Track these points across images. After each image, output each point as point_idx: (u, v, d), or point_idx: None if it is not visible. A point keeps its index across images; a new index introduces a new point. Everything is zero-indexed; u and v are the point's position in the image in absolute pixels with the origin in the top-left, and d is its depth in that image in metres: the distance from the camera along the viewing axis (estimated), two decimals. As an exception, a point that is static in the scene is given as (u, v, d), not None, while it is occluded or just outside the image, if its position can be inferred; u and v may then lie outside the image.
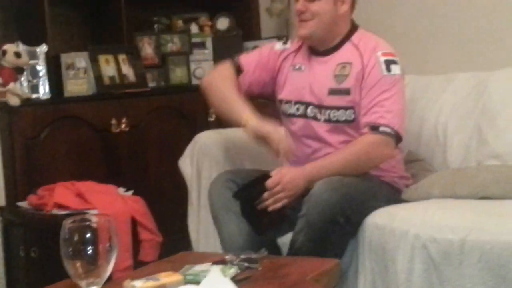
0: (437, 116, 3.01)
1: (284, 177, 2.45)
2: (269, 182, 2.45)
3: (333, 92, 2.62)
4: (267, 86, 2.81)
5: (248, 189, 2.49)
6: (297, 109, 2.71)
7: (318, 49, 2.71)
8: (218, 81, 2.77)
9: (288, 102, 2.74)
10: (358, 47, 2.64)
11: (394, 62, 2.60)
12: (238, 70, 2.80)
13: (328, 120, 2.63)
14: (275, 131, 2.51)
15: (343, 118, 2.61)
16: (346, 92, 2.60)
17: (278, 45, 2.83)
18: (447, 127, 2.96)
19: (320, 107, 2.64)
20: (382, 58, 2.59)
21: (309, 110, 2.68)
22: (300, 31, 2.68)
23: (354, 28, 2.72)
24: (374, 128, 2.53)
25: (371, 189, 2.53)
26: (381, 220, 2.39)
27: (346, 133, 2.62)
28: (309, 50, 2.74)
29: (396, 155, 2.69)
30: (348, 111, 2.60)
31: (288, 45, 2.82)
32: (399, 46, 3.46)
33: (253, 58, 2.83)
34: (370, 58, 2.60)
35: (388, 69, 2.57)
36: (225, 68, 2.81)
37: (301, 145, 2.69)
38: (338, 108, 2.61)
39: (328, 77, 2.64)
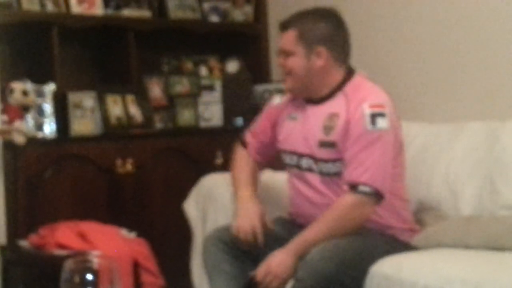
0: (448, 165, 2.96)
1: (271, 267, 2.45)
2: (257, 277, 2.46)
3: (321, 144, 2.60)
4: (274, 143, 2.82)
5: None
6: (291, 159, 2.71)
7: (311, 97, 2.69)
8: (234, 167, 2.87)
9: (284, 151, 2.74)
10: (348, 97, 2.60)
11: (381, 114, 2.52)
12: (244, 146, 2.88)
13: (321, 173, 2.61)
14: (242, 229, 2.57)
15: (333, 171, 2.58)
16: (333, 145, 2.57)
17: (276, 99, 2.85)
18: (458, 176, 2.91)
19: (314, 159, 2.63)
20: (368, 111, 2.52)
21: (304, 161, 2.66)
22: (284, 85, 2.74)
23: (349, 76, 2.67)
24: (353, 187, 2.49)
25: (369, 247, 2.48)
26: (389, 269, 2.34)
27: (338, 186, 2.57)
28: (304, 98, 2.72)
29: (399, 209, 2.65)
30: (337, 163, 2.57)
31: (282, 99, 2.82)
32: (410, 94, 3.48)
33: (259, 124, 2.88)
34: (356, 110, 2.54)
35: (373, 123, 2.51)
36: (238, 152, 2.91)
37: (299, 193, 2.69)
38: (326, 161, 2.59)
39: (319, 127, 2.62)
